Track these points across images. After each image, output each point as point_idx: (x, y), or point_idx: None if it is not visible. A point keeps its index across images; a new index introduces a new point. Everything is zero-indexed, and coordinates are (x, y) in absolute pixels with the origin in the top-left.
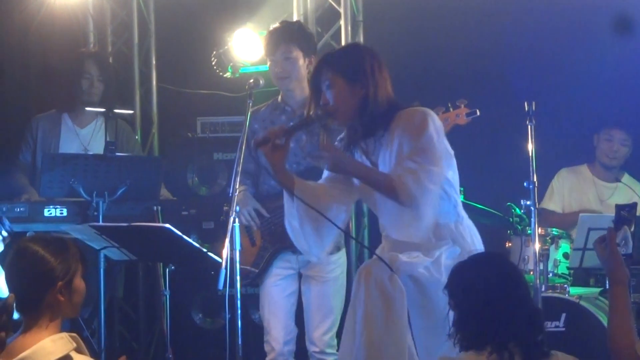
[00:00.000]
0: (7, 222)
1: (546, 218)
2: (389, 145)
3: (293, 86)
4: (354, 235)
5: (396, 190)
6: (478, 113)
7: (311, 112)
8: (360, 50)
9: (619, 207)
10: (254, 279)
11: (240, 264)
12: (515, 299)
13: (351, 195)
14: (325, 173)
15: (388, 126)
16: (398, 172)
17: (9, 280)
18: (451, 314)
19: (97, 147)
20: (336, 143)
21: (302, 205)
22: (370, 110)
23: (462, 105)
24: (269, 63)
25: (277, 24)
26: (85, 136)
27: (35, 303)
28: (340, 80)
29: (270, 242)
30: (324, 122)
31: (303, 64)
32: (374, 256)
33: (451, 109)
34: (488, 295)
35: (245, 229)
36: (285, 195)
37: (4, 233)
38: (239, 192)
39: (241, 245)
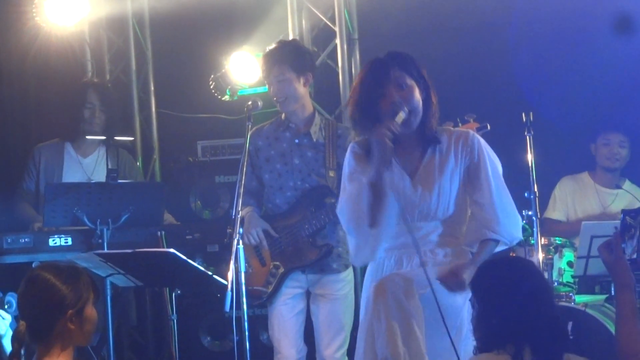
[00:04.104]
0: (13, 303)
1: (551, 228)
2: (442, 162)
3: (294, 107)
4: None
5: None
6: (489, 127)
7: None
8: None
9: (625, 213)
10: (266, 300)
11: (251, 284)
12: (538, 301)
13: None
14: None
15: (439, 140)
16: None
17: (21, 308)
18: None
19: (101, 176)
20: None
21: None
22: (429, 118)
23: (472, 120)
24: (267, 85)
25: (272, 45)
26: (89, 165)
27: (47, 331)
28: (412, 81)
29: (281, 262)
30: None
31: (299, 84)
32: (386, 274)
33: (460, 124)
34: (511, 296)
35: (254, 249)
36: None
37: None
38: (246, 213)
39: (251, 266)
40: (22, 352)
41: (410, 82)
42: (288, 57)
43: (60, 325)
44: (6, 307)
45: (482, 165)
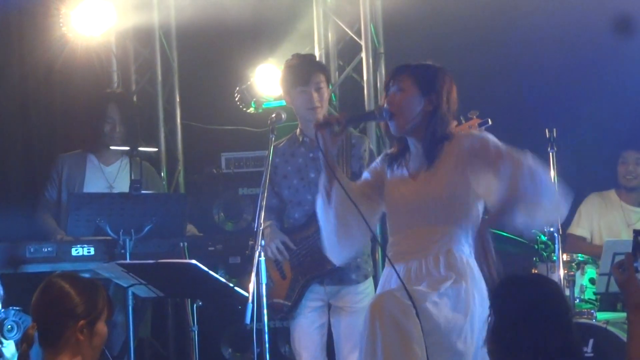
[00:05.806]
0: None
1: (574, 244)
2: (442, 165)
3: (322, 115)
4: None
5: None
6: (490, 122)
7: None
8: (441, 71)
9: (636, 233)
10: (287, 312)
11: (272, 297)
12: (556, 325)
13: (380, 206)
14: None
15: (442, 151)
16: None
17: (33, 311)
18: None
19: (123, 185)
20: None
21: (339, 204)
22: (432, 129)
23: (474, 116)
24: (294, 93)
25: (300, 55)
26: (111, 174)
27: (55, 338)
28: (414, 88)
29: (300, 274)
30: (383, 120)
31: (328, 93)
32: (383, 290)
33: (463, 122)
34: (529, 316)
35: (275, 263)
36: (322, 194)
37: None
38: (265, 227)
39: (272, 279)
40: None
41: (408, 87)
42: (322, 66)
43: (70, 333)
44: (8, 328)
45: (486, 144)
